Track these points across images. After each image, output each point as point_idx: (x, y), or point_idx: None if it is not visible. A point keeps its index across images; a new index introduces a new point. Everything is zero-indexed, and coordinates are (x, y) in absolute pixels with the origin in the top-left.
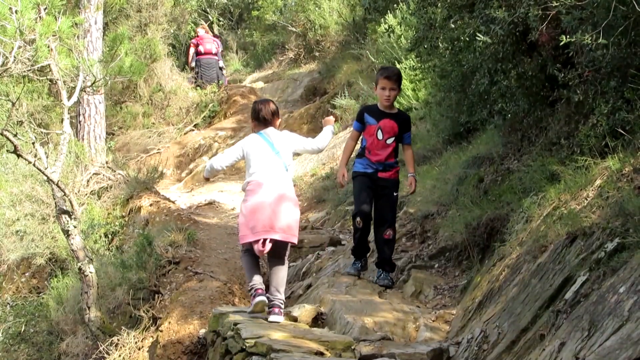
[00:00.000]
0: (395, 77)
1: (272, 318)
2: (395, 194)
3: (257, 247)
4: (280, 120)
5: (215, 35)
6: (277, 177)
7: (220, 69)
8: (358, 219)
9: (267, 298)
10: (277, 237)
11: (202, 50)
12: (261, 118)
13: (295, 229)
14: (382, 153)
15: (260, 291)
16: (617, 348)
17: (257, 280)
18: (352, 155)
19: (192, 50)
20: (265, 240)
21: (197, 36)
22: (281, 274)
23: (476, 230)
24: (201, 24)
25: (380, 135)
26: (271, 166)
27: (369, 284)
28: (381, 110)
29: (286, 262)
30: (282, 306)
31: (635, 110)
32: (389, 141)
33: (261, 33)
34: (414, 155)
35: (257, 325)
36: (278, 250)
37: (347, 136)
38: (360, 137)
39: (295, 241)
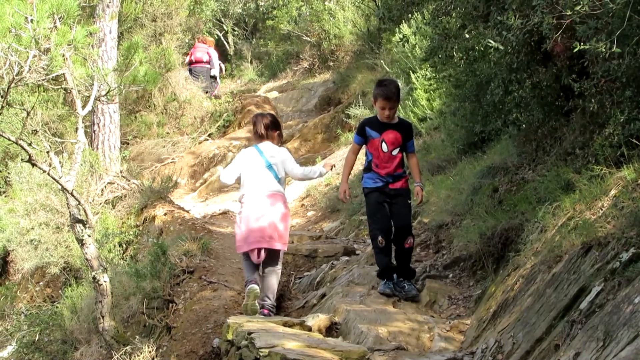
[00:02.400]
0: (395, 97)
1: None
2: (409, 201)
3: (253, 257)
4: (277, 132)
5: (215, 46)
6: (267, 190)
7: (213, 77)
8: (380, 238)
9: (259, 303)
10: (266, 245)
11: (193, 59)
12: (256, 132)
13: (283, 236)
14: (389, 165)
15: (252, 281)
16: (632, 358)
17: (252, 277)
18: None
19: (187, 59)
20: (260, 250)
21: (194, 46)
22: (272, 279)
23: (491, 240)
24: (200, 35)
25: (385, 148)
26: (262, 179)
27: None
28: (382, 122)
29: (278, 267)
30: (272, 310)
31: None
32: (395, 152)
33: (276, 43)
34: (419, 163)
35: (271, 334)
36: (270, 257)
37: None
38: (365, 152)
39: (283, 248)
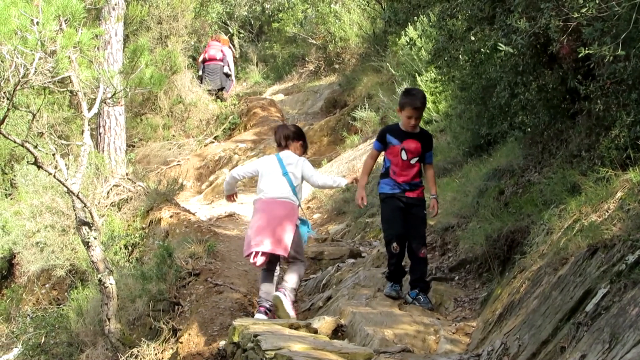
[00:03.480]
0: (422, 107)
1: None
2: (424, 211)
3: (253, 260)
4: (300, 142)
5: (230, 44)
6: (278, 196)
7: (226, 74)
8: (394, 244)
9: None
10: (265, 249)
11: (207, 57)
12: (276, 142)
13: (286, 243)
14: (408, 173)
15: (262, 309)
16: None
17: (264, 294)
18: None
19: (200, 57)
20: (257, 253)
21: (208, 44)
22: (267, 283)
23: (496, 242)
24: (213, 34)
25: (404, 156)
26: (276, 185)
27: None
28: (403, 131)
29: (276, 272)
30: (289, 295)
31: None
32: (413, 161)
33: (281, 45)
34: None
35: (277, 337)
36: (271, 262)
37: (367, 149)
38: (383, 158)
39: (283, 254)
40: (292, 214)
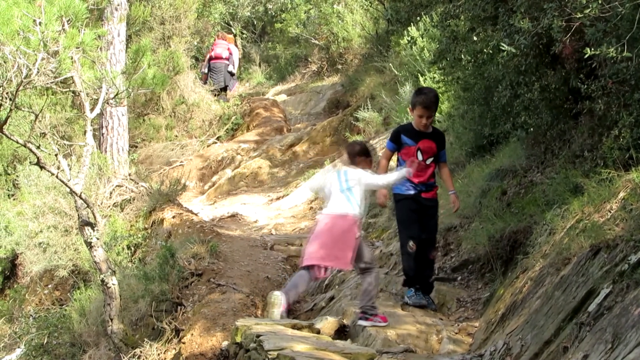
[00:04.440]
0: (434, 106)
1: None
2: (437, 213)
3: (317, 273)
4: (364, 158)
5: (235, 43)
6: (337, 211)
7: (230, 73)
8: (411, 242)
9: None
10: (330, 264)
11: (213, 55)
12: (345, 158)
13: (347, 258)
14: (423, 174)
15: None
16: None
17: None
18: None
19: (207, 56)
20: (319, 267)
21: (214, 42)
22: (363, 283)
23: (499, 242)
24: (219, 32)
25: (420, 157)
26: (335, 201)
27: (391, 296)
28: (418, 130)
29: (368, 268)
30: (371, 311)
31: None
32: (429, 161)
33: (284, 46)
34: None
35: (279, 337)
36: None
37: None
38: (397, 159)
39: (345, 268)
40: (353, 228)
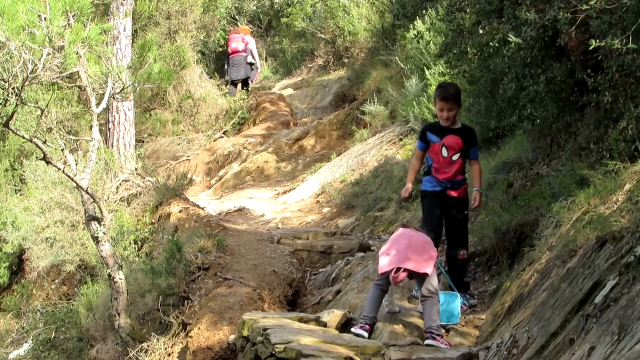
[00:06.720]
0: (452, 98)
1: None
2: (465, 212)
3: (392, 278)
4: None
5: (250, 33)
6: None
7: (250, 64)
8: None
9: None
10: (410, 267)
11: (230, 51)
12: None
13: (429, 264)
14: (449, 170)
15: (359, 328)
16: None
17: (367, 314)
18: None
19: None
20: (400, 269)
21: (229, 38)
22: (427, 308)
23: (505, 235)
24: (232, 28)
25: (445, 153)
26: None
27: (398, 289)
28: (443, 127)
29: (432, 295)
30: (436, 334)
31: None
32: (455, 157)
33: (290, 40)
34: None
35: (286, 330)
36: (417, 281)
37: (376, 143)
38: (426, 156)
39: (428, 272)
40: (431, 245)
